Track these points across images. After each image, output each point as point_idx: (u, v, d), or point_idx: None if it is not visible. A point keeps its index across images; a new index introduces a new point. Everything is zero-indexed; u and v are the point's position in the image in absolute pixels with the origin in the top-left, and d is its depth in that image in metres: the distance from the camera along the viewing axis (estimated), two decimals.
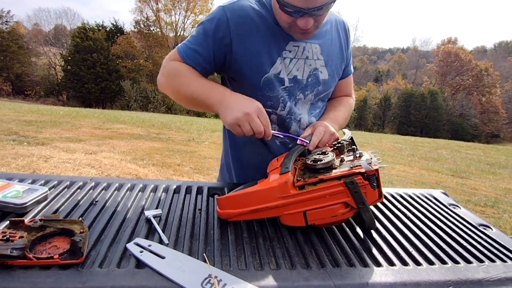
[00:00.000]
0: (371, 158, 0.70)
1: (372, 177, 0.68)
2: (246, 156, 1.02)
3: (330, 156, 0.73)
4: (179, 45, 0.91)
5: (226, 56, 0.89)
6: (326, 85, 0.99)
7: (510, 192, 5.69)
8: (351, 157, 0.74)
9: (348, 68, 1.08)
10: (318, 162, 0.71)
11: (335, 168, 0.70)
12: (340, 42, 1.01)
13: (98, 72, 24.05)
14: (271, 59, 0.90)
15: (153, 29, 29.23)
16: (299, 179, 0.69)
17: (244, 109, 0.77)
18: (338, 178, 0.67)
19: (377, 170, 0.67)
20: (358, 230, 0.75)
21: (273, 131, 0.81)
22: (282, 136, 0.93)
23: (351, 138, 0.85)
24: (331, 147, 0.83)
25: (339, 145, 0.81)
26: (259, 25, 0.88)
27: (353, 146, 0.83)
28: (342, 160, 0.73)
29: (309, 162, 0.73)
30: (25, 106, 12.88)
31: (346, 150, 0.81)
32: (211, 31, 0.87)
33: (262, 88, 0.91)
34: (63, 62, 25.66)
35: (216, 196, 0.75)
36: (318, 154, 0.76)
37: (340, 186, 0.66)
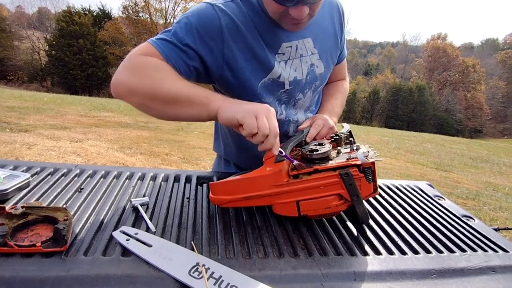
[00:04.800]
0: (368, 152, 0.70)
1: (368, 170, 0.67)
2: (244, 142, 0.99)
3: (327, 147, 0.72)
4: (152, 39, 0.75)
5: (216, 60, 0.77)
6: (323, 78, 0.96)
7: (491, 185, 5.88)
8: (348, 150, 0.74)
9: (343, 53, 1.03)
10: (315, 152, 0.71)
11: (331, 160, 0.70)
12: (334, 29, 0.94)
13: (84, 58, 23.37)
14: (268, 63, 0.82)
15: (142, 15, 28.49)
16: (293, 168, 0.69)
17: (255, 108, 0.65)
18: (333, 169, 0.66)
19: (373, 163, 0.67)
20: (346, 220, 0.75)
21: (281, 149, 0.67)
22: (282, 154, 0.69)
23: (349, 132, 0.85)
24: (328, 139, 0.83)
25: (337, 137, 0.80)
26: (251, 28, 0.79)
27: (350, 139, 0.83)
28: (339, 152, 0.73)
29: (305, 152, 0.73)
30: (7, 92, 12.45)
31: (343, 143, 0.81)
32: (199, 29, 0.74)
33: (259, 94, 0.84)
34: (47, 46, 24.79)
35: (210, 183, 0.75)
36: (315, 144, 0.75)
37: (335, 177, 0.66)
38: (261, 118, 0.63)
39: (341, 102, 1.03)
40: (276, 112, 0.87)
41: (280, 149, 0.67)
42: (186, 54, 0.74)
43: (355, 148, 0.73)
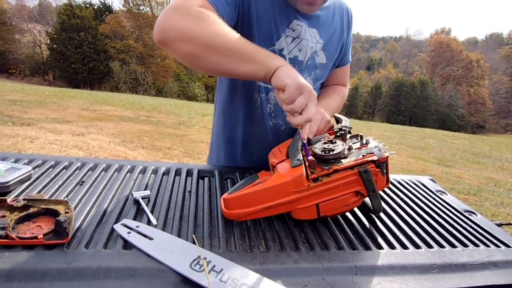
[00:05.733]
0: (379, 145, 0.70)
1: (383, 164, 0.67)
2: (239, 133, 0.99)
3: (340, 145, 0.70)
4: None
5: (243, 15, 0.81)
6: (324, 70, 0.97)
7: (492, 181, 5.87)
8: (358, 145, 0.73)
9: (346, 57, 1.05)
10: (330, 152, 0.69)
11: (345, 157, 0.69)
12: (341, 27, 0.97)
13: (85, 52, 23.33)
14: (278, 32, 0.85)
15: (143, 9, 28.35)
16: (312, 171, 0.66)
17: (306, 85, 0.63)
18: (352, 167, 0.65)
19: (387, 157, 0.67)
20: (348, 214, 0.75)
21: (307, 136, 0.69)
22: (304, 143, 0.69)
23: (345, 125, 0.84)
24: (332, 134, 0.81)
25: (343, 132, 0.79)
26: None
27: (360, 134, 0.82)
28: (349, 148, 0.71)
29: (319, 152, 0.70)
30: (9, 85, 12.46)
31: (348, 137, 0.80)
32: None
33: None
34: (48, 40, 24.77)
35: (222, 197, 0.68)
36: (326, 143, 0.73)
37: (354, 175, 0.65)
38: (303, 96, 0.62)
39: (336, 103, 1.02)
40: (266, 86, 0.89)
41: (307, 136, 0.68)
42: (230, 6, 0.76)
43: (364, 142, 0.72)
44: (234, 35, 0.67)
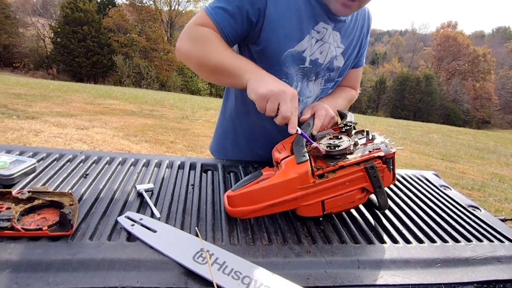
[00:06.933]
0: (385, 141, 0.69)
1: (390, 160, 0.66)
2: (246, 125, 1.00)
3: (346, 141, 0.70)
4: (207, 7, 0.81)
5: (258, 20, 0.80)
6: (339, 72, 0.96)
7: (497, 176, 5.83)
8: (364, 140, 0.72)
9: (360, 59, 1.03)
10: (336, 148, 0.68)
11: (351, 153, 0.68)
12: (360, 33, 0.96)
13: (89, 46, 23.31)
14: (300, 34, 0.83)
15: (146, 2, 28.22)
16: (318, 167, 0.66)
17: (283, 87, 0.69)
18: (358, 163, 0.65)
19: (394, 153, 0.66)
20: (352, 210, 0.75)
21: (298, 128, 0.69)
22: (299, 133, 0.72)
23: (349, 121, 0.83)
24: (337, 130, 0.81)
25: (348, 127, 0.78)
26: None
27: (366, 129, 0.81)
28: (355, 144, 0.71)
29: (324, 148, 0.69)
30: (14, 79, 12.52)
31: (353, 133, 0.79)
32: None
33: (281, 62, 0.85)
34: (52, 34, 24.72)
35: (225, 194, 0.68)
36: (331, 139, 0.73)
37: (360, 171, 0.64)
38: (270, 101, 0.68)
39: (343, 103, 1.01)
40: (292, 85, 0.90)
41: (298, 128, 0.69)
42: (234, 18, 0.79)
43: (370, 138, 0.72)
44: (218, 54, 0.77)
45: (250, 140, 1.03)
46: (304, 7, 0.82)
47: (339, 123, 0.85)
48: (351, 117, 0.83)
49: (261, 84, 0.70)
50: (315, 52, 0.87)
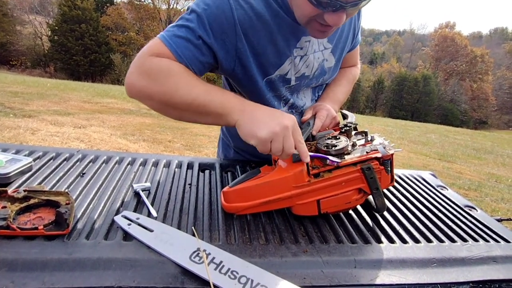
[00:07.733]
0: (384, 142, 0.69)
1: (387, 162, 0.66)
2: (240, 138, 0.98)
3: (344, 141, 0.69)
4: (163, 35, 0.69)
5: (229, 54, 0.72)
6: (332, 71, 0.93)
7: (494, 176, 5.86)
8: (362, 141, 0.72)
9: (356, 39, 0.97)
10: (333, 148, 0.68)
11: (349, 154, 0.68)
12: (350, 20, 0.89)
13: (86, 44, 23.20)
14: (278, 59, 0.77)
15: (144, 0, 28.13)
16: (314, 166, 0.66)
17: (282, 122, 0.61)
18: (354, 164, 0.64)
19: (392, 154, 0.66)
20: (349, 211, 0.75)
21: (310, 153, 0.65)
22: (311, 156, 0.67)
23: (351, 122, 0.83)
24: (337, 130, 0.80)
25: (347, 128, 0.77)
26: (266, 19, 0.72)
27: (365, 130, 0.81)
28: (354, 145, 0.71)
29: (322, 148, 0.69)
30: (11, 77, 12.44)
31: (353, 134, 0.78)
32: (211, 20, 0.68)
33: (262, 89, 0.80)
34: (49, 32, 24.60)
35: (222, 190, 0.68)
36: (329, 139, 0.72)
37: (357, 172, 0.64)
38: (275, 142, 0.61)
39: (345, 89, 0.99)
40: (280, 106, 0.86)
41: (309, 153, 0.65)
42: (200, 50, 0.69)
43: (369, 139, 0.71)
44: (188, 90, 0.66)
45: (250, 145, 1.02)
46: (284, 28, 0.74)
47: (340, 123, 0.85)
48: (352, 117, 0.83)
49: (256, 125, 0.62)
50: (300, 69, 0.82)
